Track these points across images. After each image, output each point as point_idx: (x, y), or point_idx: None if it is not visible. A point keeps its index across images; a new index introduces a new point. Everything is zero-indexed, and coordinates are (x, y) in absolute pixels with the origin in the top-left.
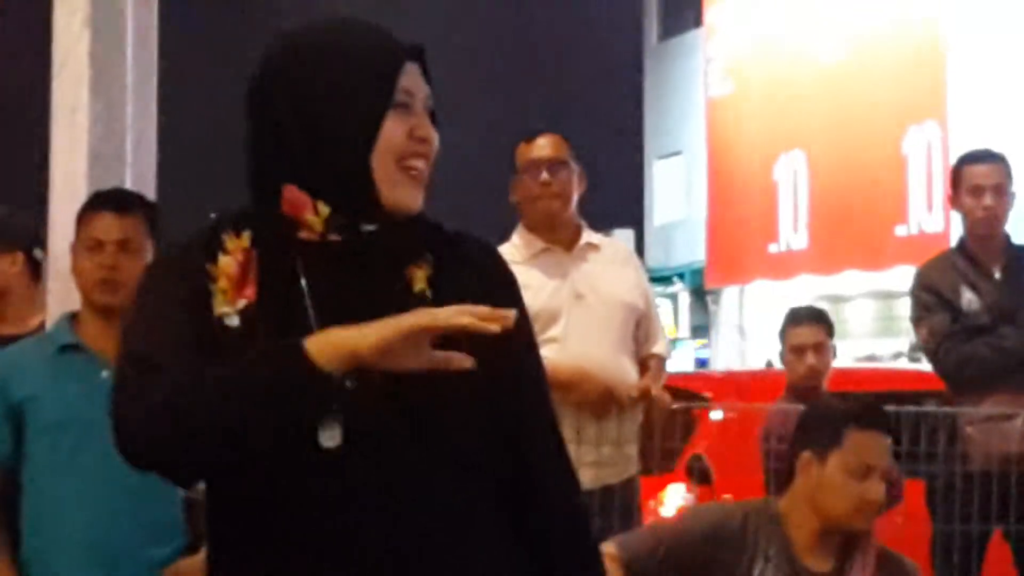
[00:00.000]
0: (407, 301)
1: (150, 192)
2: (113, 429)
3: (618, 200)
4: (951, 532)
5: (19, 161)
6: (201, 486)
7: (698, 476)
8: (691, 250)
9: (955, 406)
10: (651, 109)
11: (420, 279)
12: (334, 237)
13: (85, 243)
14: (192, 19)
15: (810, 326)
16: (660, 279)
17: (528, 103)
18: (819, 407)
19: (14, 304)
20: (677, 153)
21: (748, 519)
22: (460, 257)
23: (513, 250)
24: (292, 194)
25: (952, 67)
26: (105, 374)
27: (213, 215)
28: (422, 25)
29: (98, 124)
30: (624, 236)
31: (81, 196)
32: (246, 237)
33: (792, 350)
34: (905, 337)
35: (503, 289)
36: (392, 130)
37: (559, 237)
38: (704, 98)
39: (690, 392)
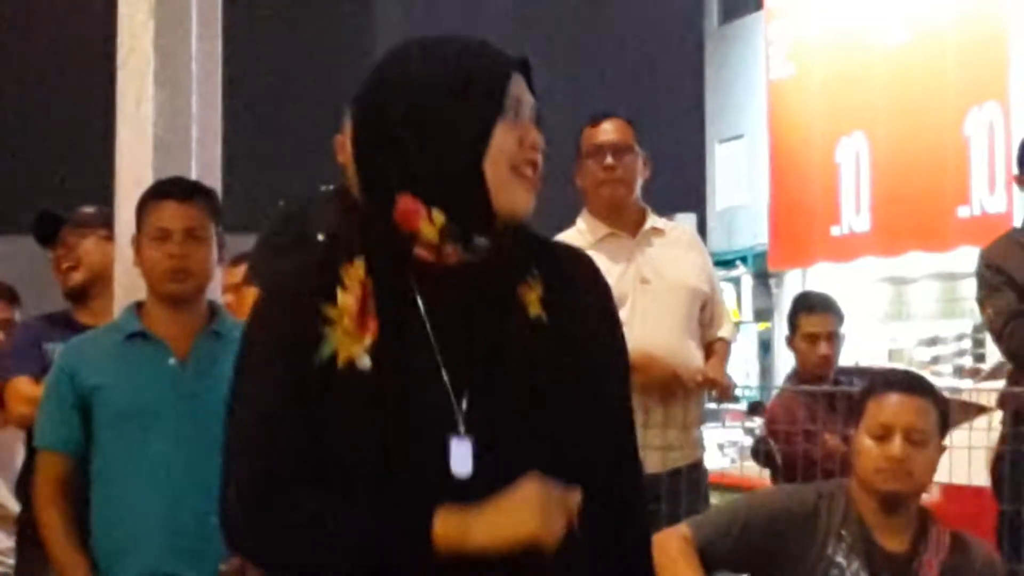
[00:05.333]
0: (525, 328)
1: (216, 182)
2: (222, 511)
3: (680, 184)
4: (1018, 511)
5: (85, 154)
6: None
7: (763, 459)
8: (753, 233)
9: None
10: (712, 93)
11: (534, 302)
12: (449, 249)
13: (151, 233)
14: (256, 8)
15: (824, 315)
16: (722, 263)
17: (589, 86)
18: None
19: (108, 296)
20: (739, 136)
21: (821, 499)
22: (562, 271)
23: (577, 235)
24: (406, 203)
25: (1014, 48)
26: (172, 361)
27: (281, 203)
28: (483, 8)
29: (163, 115)
30: (686, 220)
31: (146, 187)
32: (360, 265)
33: (805, 338)
34: (969, 318)
35: (605, 300)
36: (503, 136)
37: (624, 222)
38: (765, 81)
39: None
